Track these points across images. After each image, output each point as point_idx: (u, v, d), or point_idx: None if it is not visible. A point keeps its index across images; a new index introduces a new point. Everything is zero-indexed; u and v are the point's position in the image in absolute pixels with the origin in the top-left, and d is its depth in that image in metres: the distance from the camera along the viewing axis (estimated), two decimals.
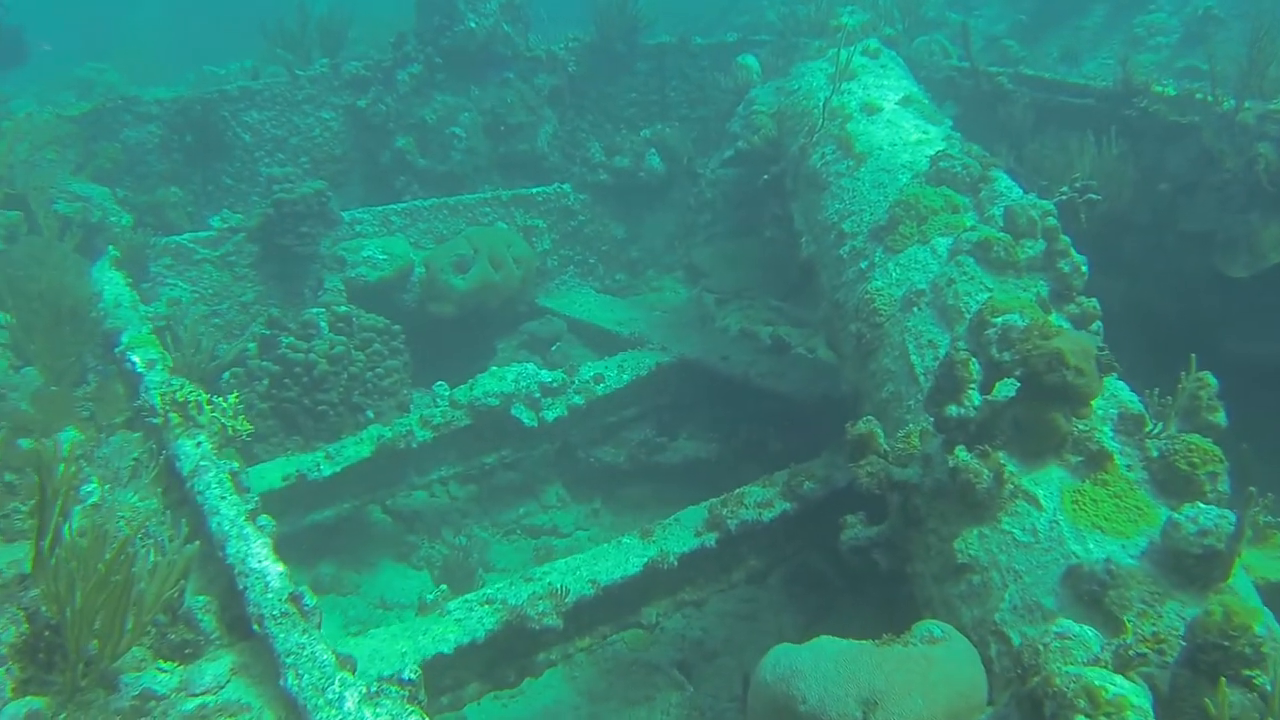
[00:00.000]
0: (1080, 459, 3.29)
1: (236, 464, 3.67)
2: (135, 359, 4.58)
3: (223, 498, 3.41)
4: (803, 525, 4.78)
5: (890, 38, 6.62)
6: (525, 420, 6.05)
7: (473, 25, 8.03)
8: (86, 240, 6.92)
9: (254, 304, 7.14)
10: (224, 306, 7.09)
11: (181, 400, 3.74)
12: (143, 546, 3.24)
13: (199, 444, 3.78)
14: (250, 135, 8.13)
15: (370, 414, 6.08)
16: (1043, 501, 3.22)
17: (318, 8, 8.63)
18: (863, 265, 4.66)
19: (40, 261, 5.37)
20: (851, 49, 6.19)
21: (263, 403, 5.89)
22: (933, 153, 4.89)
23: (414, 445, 5.75)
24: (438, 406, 6.05)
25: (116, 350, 5.02)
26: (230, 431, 3.80)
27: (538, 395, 6.10)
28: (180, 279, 6.91)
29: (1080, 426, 3.31)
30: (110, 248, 6.49)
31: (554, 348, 7.43)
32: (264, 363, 6.02)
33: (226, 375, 6.07)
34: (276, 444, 5.89)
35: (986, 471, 3.24)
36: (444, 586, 5.88)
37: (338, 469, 5.55)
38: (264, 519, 3.45)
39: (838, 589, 5.50)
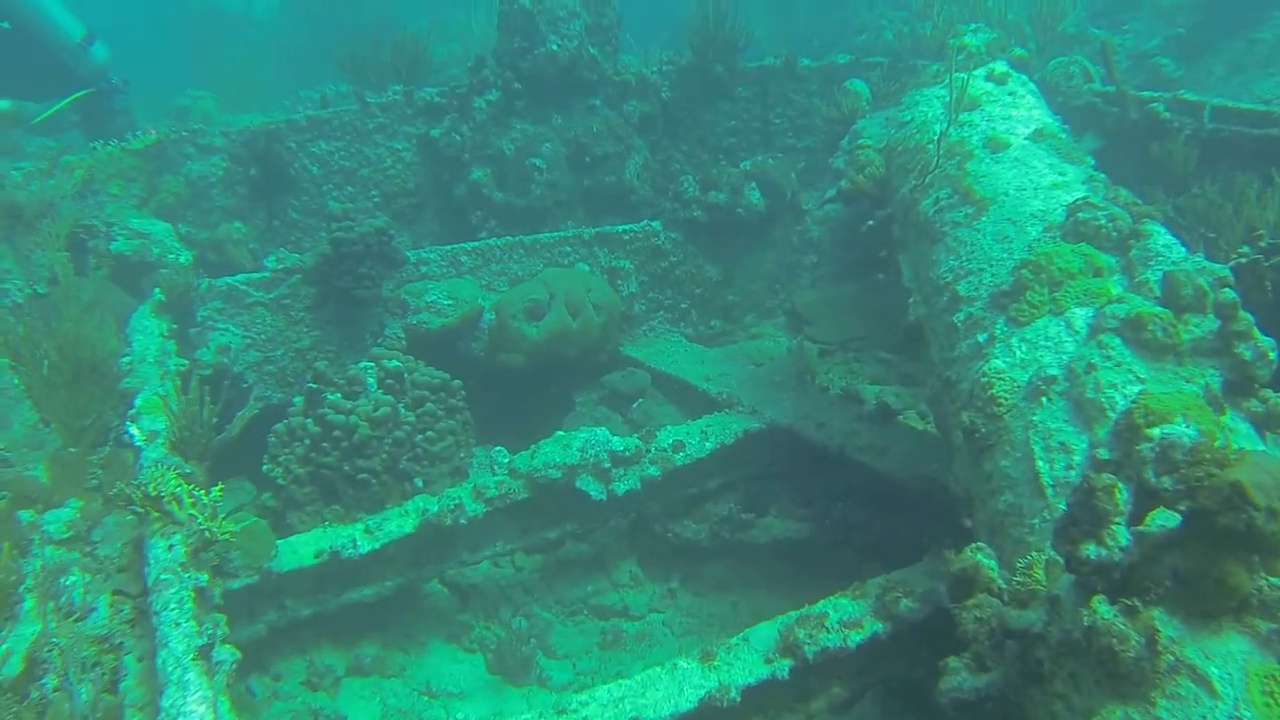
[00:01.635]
0: (1274, 628, 2.49)
1: (205, 576, 3.12)
2: (134, 431, 4.12)
3: (176, 624, 2.86)
4: (899, 647, 4.01)
5: (1021, 59, 5.80)
6: (593, 493, 5.45)
7: (555, 48, 7.49)
8: (135, 281, 6.61)
9: (310, 351, 6.71)
10: (278, 353, 6.66)
11: (154, 494, 3.21)
12: (77, 681, 2.72)
13: (171, 547, 3.25)
14: (318, 167, 7.76)
15: (418, 482, 5.54)
16: (1217, 685, 2.44)
17: (409, 28, 8.21)
18: (980, 338, 3.90)
19: (59, 311, 4.98)
20: (974, 73, 5.43)
21: (300, 467, 5.40)
22: (1070, 200, 4.10)
23: (463, 521, 5.18)
24: (495, 475, 5.48)
25: (129, 414, 4.61)
26: (207, 534, 3.25)
27: (607, 465, 5.49)
28: (231, 323, 6.52)
29: (1273, 583, 2.50)
30: (156, 291, 6.12)
31: (636, 404, 6.80)
32: (306, 421, 5.53)
33: (272, 436, 5.60)
34: (313, 513, 5.40)
35: (1135, 636, 2.47)
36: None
37: (376, 546, 5.02)
38: (225, 651, 2.88)
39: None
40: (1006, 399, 3.52)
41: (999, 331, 3.82)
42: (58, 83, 8.09)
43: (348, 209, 6.57)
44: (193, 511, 3.36)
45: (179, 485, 3.45)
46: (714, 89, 8.19)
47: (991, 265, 4.13)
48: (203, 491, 3.57)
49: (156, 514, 3.36)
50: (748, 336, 7.90)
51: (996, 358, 3.71)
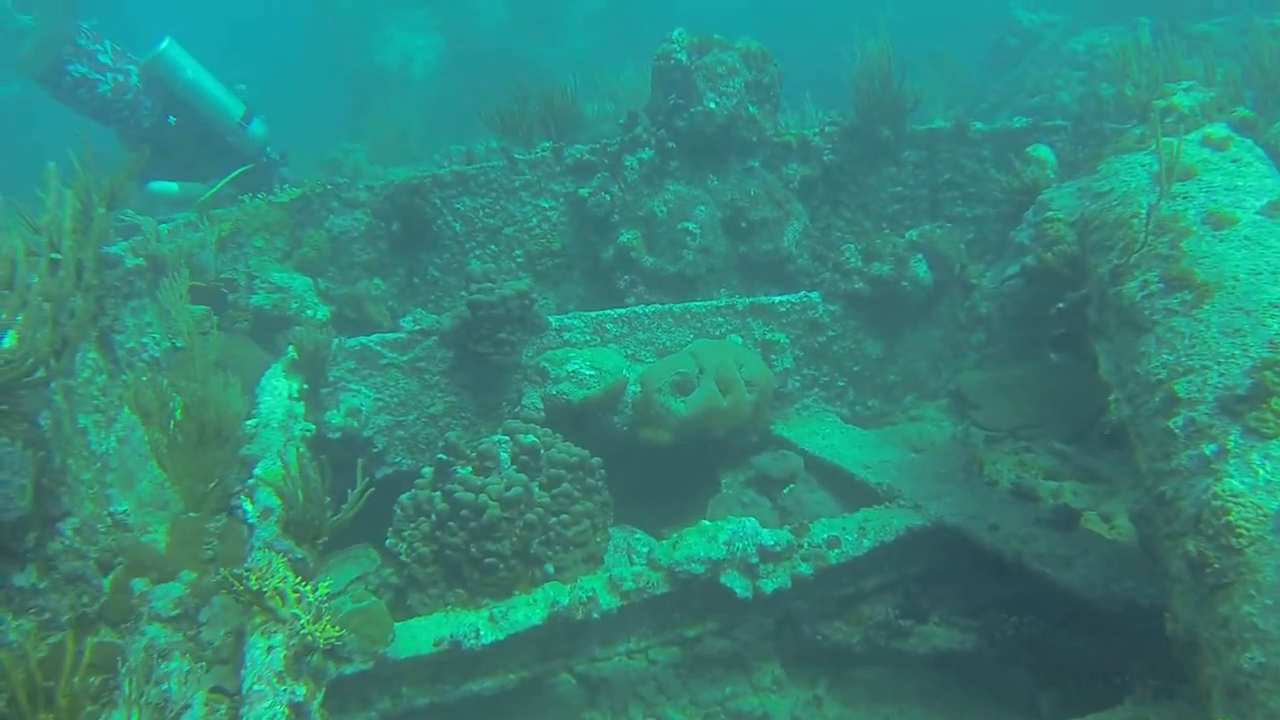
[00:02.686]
0: None
1: (304, 688, 2.80)
2: (248, 507, 3.88)
3: None
4: None
5: (1245, 121, 5.18)
6: (738, 591, 5.03)
7: (713, 106, 7.17)
8: (273, 335, 6.53)
9: (443, 417, 6.49)
10: (410, 418, 6.45)
11: (257, 588, 2.92)
12: None
13: (271, 649, 2.95)
14: (462, 224, 7.58)
15: (550, 569, 5.18)
16: None
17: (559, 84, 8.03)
18: (1207, 450, 3.35)
19: (185, 369, 4.84)
20: (1186, 138, 4.88)
21: (424, 545, 5.11)
22: None
23: (596, 615, 4.80)
24: (632, 565, 5.11)
25: (249, 483, 4.40)
26: (309, 639, 2.94)
27: (755, 561, 5.07)
28: (364, 385, 6.34)
29: None
30: (289, 349, 5.98)
31: (786, 490, 6.34)
32: (434, 495, 5.25)
33: (397, 509, 5.35)
34: (436, 595, 5.10)
35: None
36: None
37: (500, 636, 4.69)
38: None
39: None
40: (1249, 529, 2.97)
41: (1233, 444, 3.26)
42: (221, 161, 8.36)
43: (488, 270, 6.34)
44: (296, 610, 3.09)
45: (285, 578, 3.19)
46: (879, 152, 7.75)
47: (1219, 363, 3.58)
48: (310, 587, 3.29)
49: (259, 609, 3.10)
50: (908, 419, 7.37)
51: (1232, 477, 3.16)
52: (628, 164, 7.39)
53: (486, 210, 7.59)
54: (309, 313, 6.94)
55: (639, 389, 6.37)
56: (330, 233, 7.44)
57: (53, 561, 3.96)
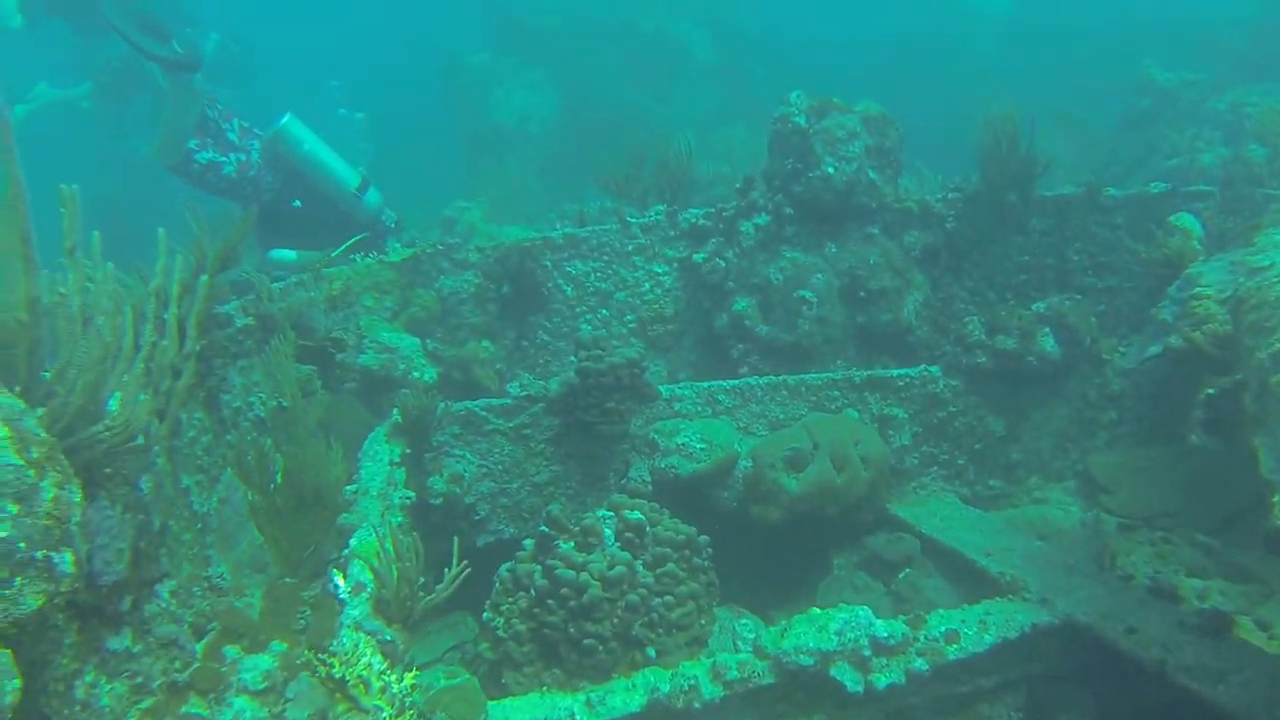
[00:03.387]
0: None
1: None
2: (339, 582, 3.77)
3: None
4: None
5: None
6: (849, 685, 4.75)
7: (831, 171, 6.97)
8: (379, 396, 6.50)
9: (548, 486, 6.36)
10: (514, 486, 6.33)
11: (340, 676, 2.78)
12: None
13: None
14: (572, 288, 7.49)
15: (651, 652, 4.96)
16: None
17: (674, 144, 7.94)
18: None
19: (288, 431, 4.79)
20: None
21: (522, 622, 4.95)
22: None
23: (697, 705, 4.56)
24: (738, 652, 4.86)
25: (343, 553, 4.30)
26: None
27: (868, 653, 4.77)
28: (468, 450, 6.24)
29: None
30: (394, 412, 5.92)
31: (902, 575, 6.02)
32: (534, 569, 5.09)
33: (496, 581, 5.20)
34: (531, 675, 4.93)
35: None
36: None
37: None
38: None
39: None
40: None
41: None
42: (337, 229, 8.60)
43: (598, 337, 6.22)
44: (379, 702, 2.94)
45: (370, 664, 3.05)
46: (1005, 219, 7.43)
47: None
48: (396, 676, 3.14)
49: (342, 696, 2.96)
50: (1031, 501, 6.97)
51: None
52: (743, 229, 7.23)
53: (598, 274, 7.49)
54: (416, 374, 6.91)
55: (750, 464, 6.14)
56: (440, 293, 7.42)
57: (148, 625, 3.91)
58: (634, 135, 16.99)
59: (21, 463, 2.65)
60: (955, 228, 7.47)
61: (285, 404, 6.01)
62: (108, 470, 3.59)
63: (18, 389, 3.04)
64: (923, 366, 6.84)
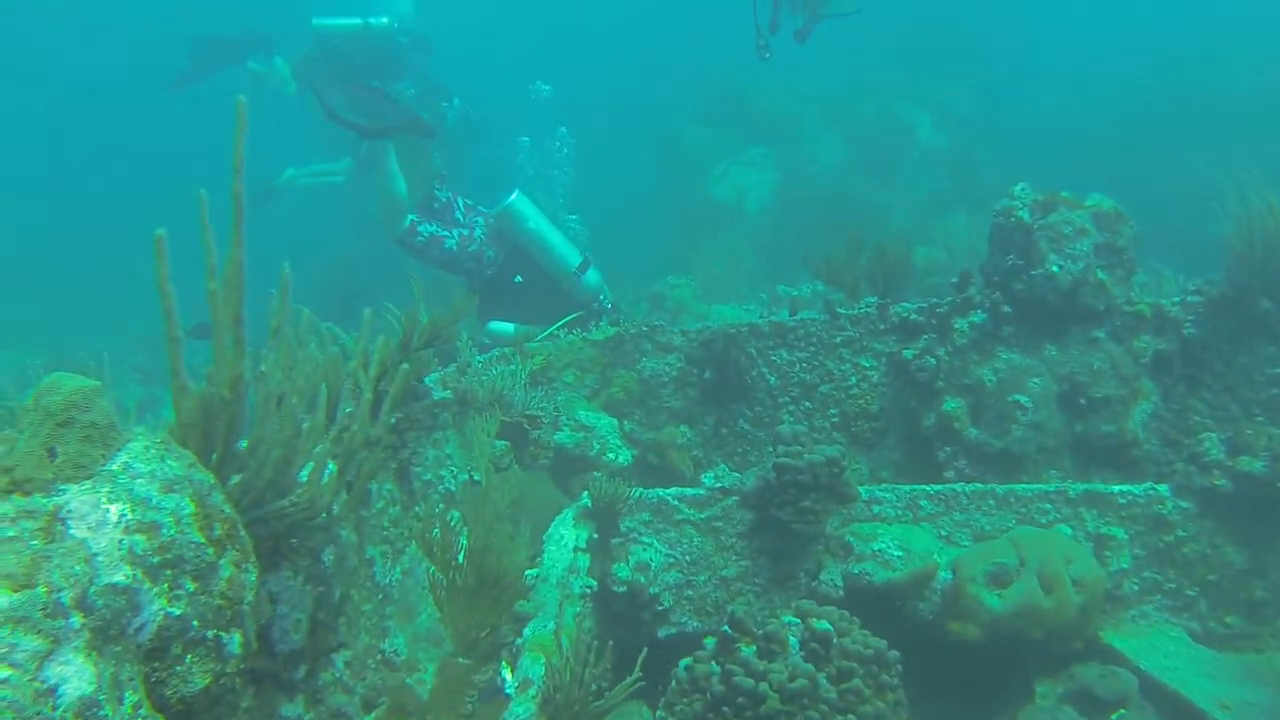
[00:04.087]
0: None
1: None
2: (506, 676, 3.67)
3: None
4: None
5: None
6: None
7: (1055, 270, 6.56)
8: (572, 475, 6.47)
9: (735, 581, 6.13)
10: (701, 579, 6.14)
11: None
12: None
13: None
14: (777, 378, 7.30)
15: None
16: None
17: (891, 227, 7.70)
18: None
19: (476, 510, 4.78)
20: None
21: None
22: None
23: None
24: None
25: (516, 643, 4.23)
26: None
27: None
28: (657, 539, 6.09)
29: None
30: (584, 496, 5.85)
31: (1115, 716, 5.47)
32: (712, 670, 4.86)
33: (674, 680, 5.01)
34: None
35: None
36: None
37: None
38: None
39: None
40: None
41: None
42: (555, 306, 8.83)
43: (798, 432, 5.99)
44: None
45: None
46: (1256, 328, 6.79)
47: None
48: None
49: None
50: (1278, 648, 6.24)
51: None
52: (957, 327, 6.88)
53: (804, 365, 7.28)
54: (610, 456, 6.86)
55: (950, 576, 5.76)
56: (641, 375, 7.37)
57: (321, 694, 3.95)
58: (851, 218, 16.84)
59: (203, 540, 2.67)
60: (1194, 335, 6.87)
61: (478, 478, 6.06)
62: (294, 541, 3.65)
63: (215, 459, 3.12)
64: (1149, 484, 6.27)
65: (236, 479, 3.15)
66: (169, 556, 2.55)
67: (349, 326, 4.59)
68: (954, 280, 7.02)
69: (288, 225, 18.90)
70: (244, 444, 3.25)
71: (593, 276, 8.93)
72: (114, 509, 2.47)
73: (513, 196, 8.80)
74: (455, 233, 8.72)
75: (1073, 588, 5.66)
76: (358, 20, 14.80)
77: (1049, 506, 6.19)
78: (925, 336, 7.00)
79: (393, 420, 5.21)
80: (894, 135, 19.28)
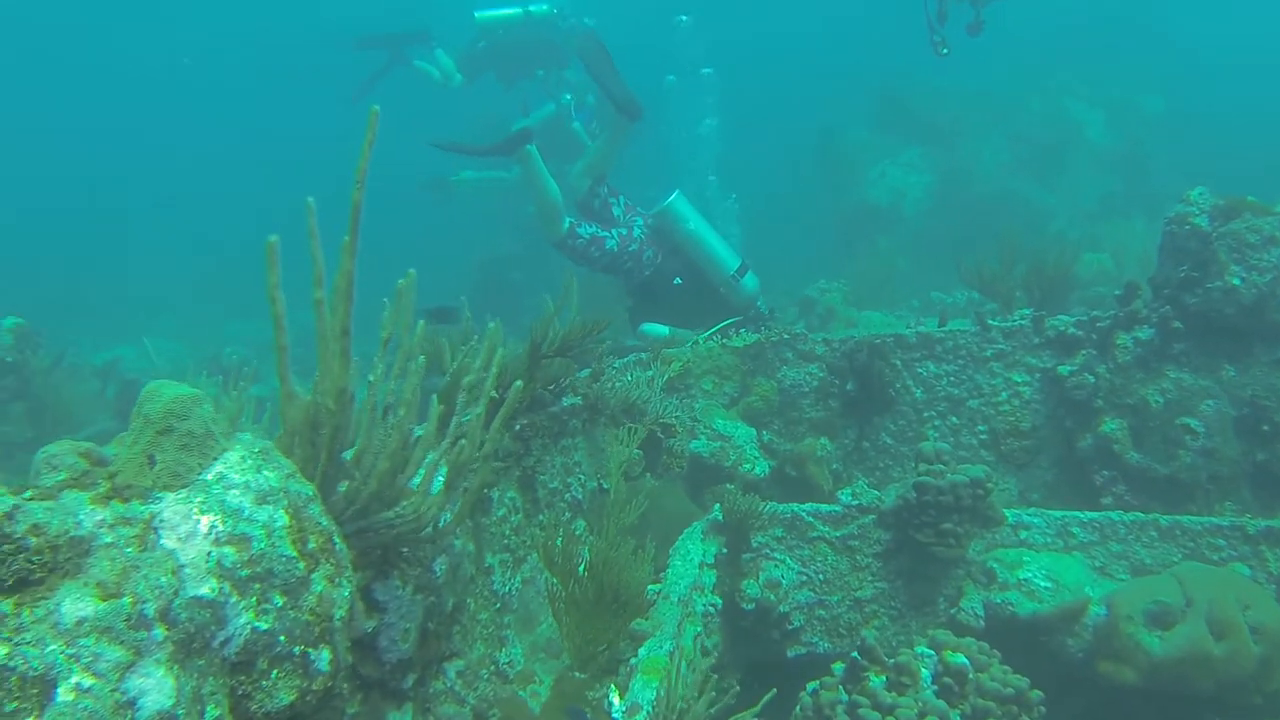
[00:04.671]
0: None
1: None
2: (614, 700, 3.53)
3: None
4: None
5: None
6: None
7: (1237, 282, 6.05)
8: (704, 485, 6.32)
9: (870, 603, 5.85)
10: (834, 599, 5.88)
11: None
12: None
13: None
14: (923, 390, 6.96)
15: None
16: None
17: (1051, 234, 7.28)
18: None
19: (600, 521, 4.68)
20: None
21: None
22: None
23: None
24: None
25: (630, 662, 4.10)
26: None
27: None
28: (789, 556, 5.86)
29: None
30: (715, 508, 5.68)
31: None
32: (839, 699, 4.64)
33: (798, 707, 4.80)
34: None
35: None
36: None
37: None
38: None
39: None
40: None
41: None
42: (712, 310, 8.64)
43: (940, 450, 5.66)
44: None
45: None
46: None
47: None
48: None
49: None
50: None
51: None
52: (1120, 342, 6.41)
53: (951, 379, 6.92)
54: (746, 467, 6.66)
55: (1104, 612, 5.35)
56: (781, 384, 7.13)
57: (430, 703, 3.91)
58: (1012, 221, 16.16)
59: (295, 554, 2.61)
60: None
61: (607, 486, 5.94)
62: (404, 550, 3.61)
63: (319, 468, 3.07)
64: None
65: (345, 486, 3.10)
66: (259, 570, 2.49)
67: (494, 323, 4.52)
68: (1118, 292, 6.55)
69: (450, 223, 19.29)
70: (349, 454, 3.21)
71: (750, 281, 8.68)
72: (205, 520, 2.43)
73: (672, 196, 8.62)
74: (614, 232, 8.54)
75: (1251, 636, 5.17)
76: (519, 9, 14.97)
77: (1222, 542, 5.69)
78: (1084, 352, 6.56)
79: (517, 427, 5.14)
80: (1062, 134, 18.38)
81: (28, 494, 2.20)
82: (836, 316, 11.44)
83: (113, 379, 11.70)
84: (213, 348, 15.71)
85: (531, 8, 14.95)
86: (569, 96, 15.38)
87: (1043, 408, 6.76)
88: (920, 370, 6.98)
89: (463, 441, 3.41)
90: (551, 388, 5.43)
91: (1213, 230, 6.18)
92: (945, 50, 10.56)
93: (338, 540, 2.82)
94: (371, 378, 3.28)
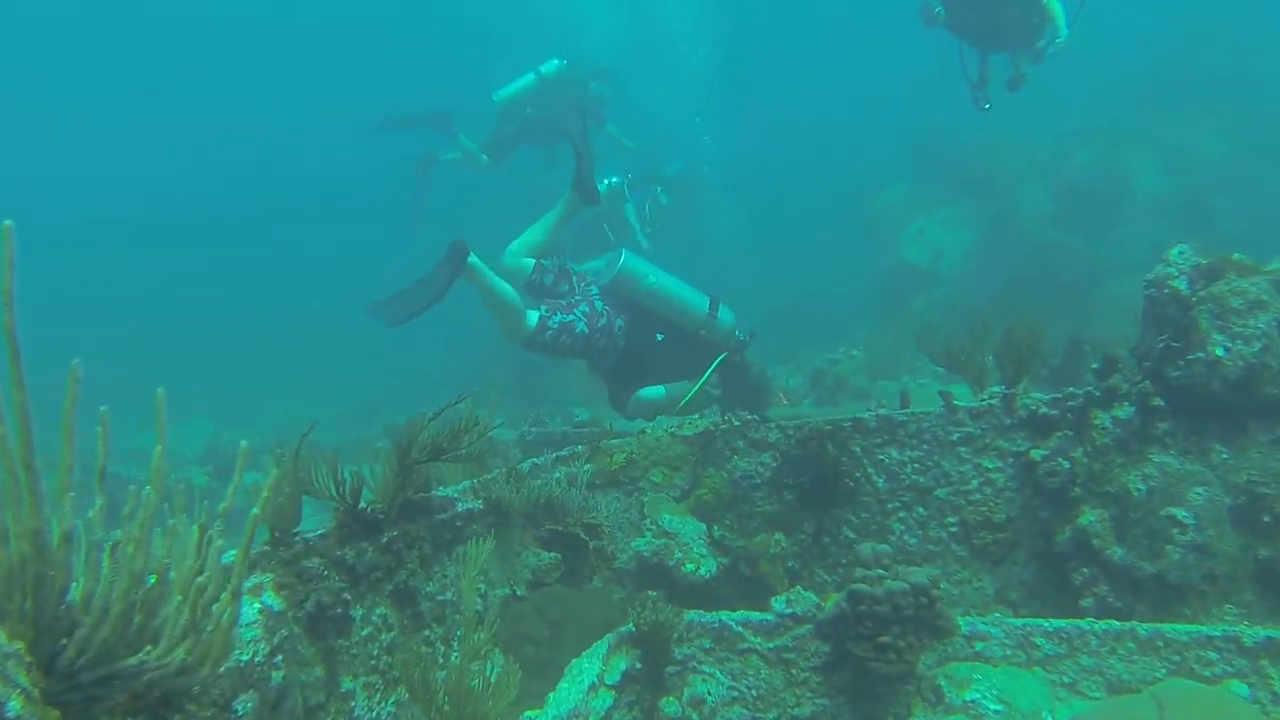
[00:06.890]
0: None
1: None
2: None
3: None
4: None
5: None
6: None
7: (1220, 353, 5.40)
8: (644, 589, 5.84)
9: None
10: (769, 717, 5.28)
11: None
12: None
13: None
14: (885, 479, 6.36)
15: None
16: None
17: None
18: None
19: (461, 645, 4.23)
20: None
21: None
22: None
23: None
24: None
25: None
26: None
27: None
28: (718, 669, 5.30)
29: None
30: (629, 622, 5.19)
31: None
32: None
33: None
34: None
35: None
36: None
37: None
38: None
39: None
40: None
41: None
42: (696, 355, 8.27)
43: (880, 553, 5.08)
44: None
45: None
46: None
47: None
48: None
49: None
50: None
51: None
52: (1097, 422, 5.77)
53: (916, 466, 6.31)
54: (690, 567, 6.14)
55: None
56: (732, 475, 6.59)
57: None
58: (1057, 277, 15.41)
59: None
60: None
61: (520, 592, 5.49)
62: (195, 691, 3.25)
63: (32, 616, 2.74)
64: None
65: (19, 647, 2.71)
66: None
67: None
68: (1095, 366, 5.92)
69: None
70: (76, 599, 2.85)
71: (725, 314, 8.22)
72: None
73: (621, 259, 8.08)
74: (578, 313, 7.96)
75: None
76: (530, 75, 14.85)
77: (1214, 655, 4.96)
78: (1058, 435, 5.91)
79: (384, 540, 4.72)
80: (1111, 183, 17.58)
81: None
82: (847, 388, 10.88)
83: None
84: None
85: (542, 68, 14.82)
86: (617, 178, 15.26)
87: (1018, 496, 6.09)
88: (882, 457, 6.37)
89: (201, 578, 3.01)
90: (429, 494, 5.00)
91: (1192, 294, 5.55)
92: (988, 105, 10.20)
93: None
94: (91, 513, 2.93)
